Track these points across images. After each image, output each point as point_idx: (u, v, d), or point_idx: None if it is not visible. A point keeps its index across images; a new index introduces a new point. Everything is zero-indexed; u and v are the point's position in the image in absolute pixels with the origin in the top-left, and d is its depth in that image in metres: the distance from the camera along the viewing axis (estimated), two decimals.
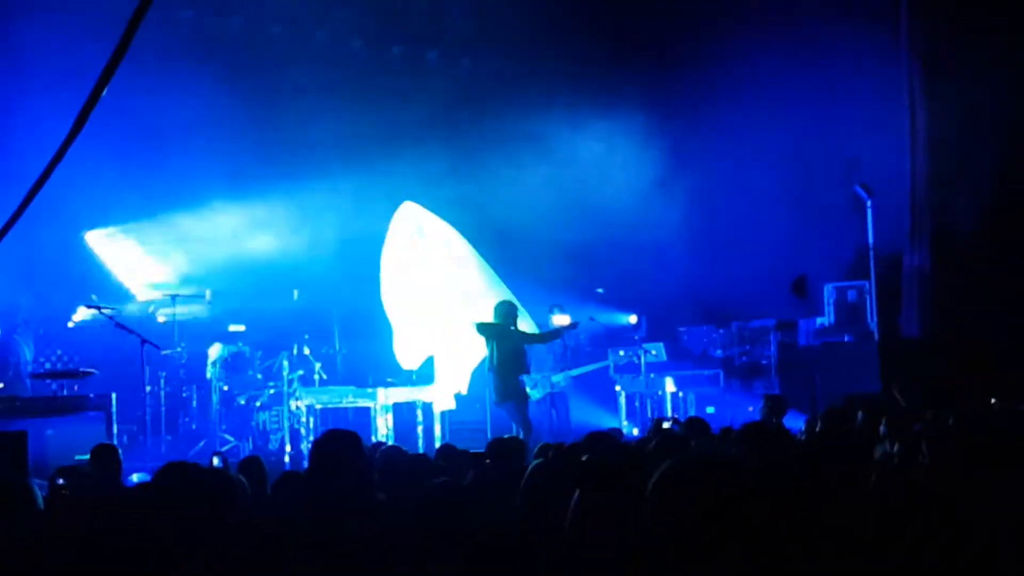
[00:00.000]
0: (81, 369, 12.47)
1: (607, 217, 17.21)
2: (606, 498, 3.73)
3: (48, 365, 14.87)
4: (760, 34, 15.96)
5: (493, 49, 17.65)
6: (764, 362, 16.12)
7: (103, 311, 12.75)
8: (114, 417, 11.92)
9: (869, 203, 14.80)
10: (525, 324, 14.10)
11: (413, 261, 15.32)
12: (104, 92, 6.27)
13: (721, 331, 16.71)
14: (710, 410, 15.28)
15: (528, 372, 13.51)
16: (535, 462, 5.67)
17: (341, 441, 5.04)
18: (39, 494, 6.73)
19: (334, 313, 16.62)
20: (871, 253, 14.83)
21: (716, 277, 16.89)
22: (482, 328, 13.57)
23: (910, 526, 4.01)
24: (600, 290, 17.97)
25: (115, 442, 11.33)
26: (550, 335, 14.01)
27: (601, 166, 17.43)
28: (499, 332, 13.37)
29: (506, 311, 13.54)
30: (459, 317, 14.71)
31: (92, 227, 16.79)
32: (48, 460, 11.48)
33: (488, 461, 7.34)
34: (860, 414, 8.75)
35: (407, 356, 15.25)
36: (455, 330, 14.83)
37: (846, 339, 15.16)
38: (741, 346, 16.42)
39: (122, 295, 16.43)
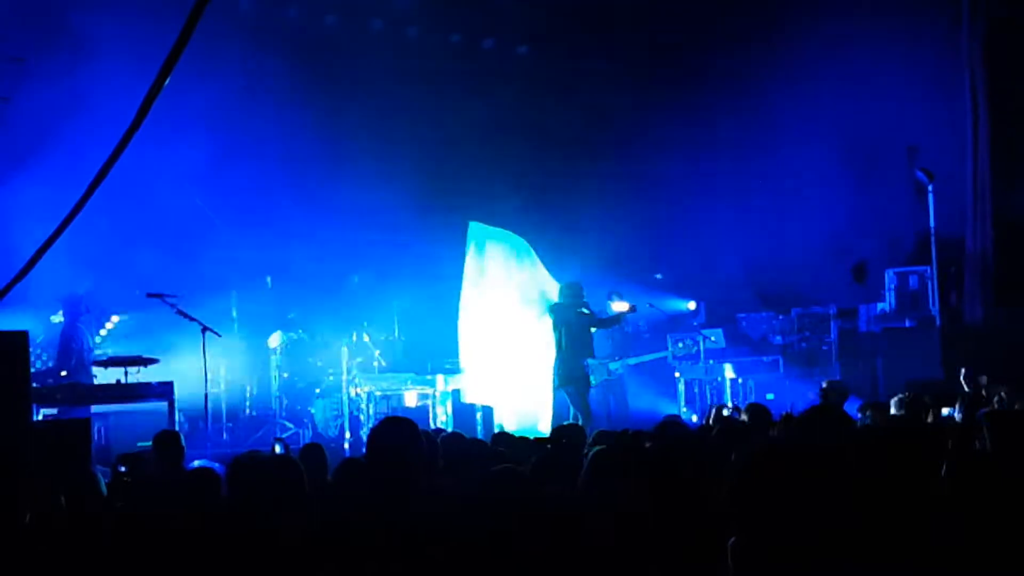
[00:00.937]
0: (144, 356, 12.58)
1: (665, 205, 17.16)
2: (670, 485, 3.71)
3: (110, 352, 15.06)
4: (822, 18, 15.82)
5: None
6: (824, 348, 15.98)
7: (166, 299, 12.86)
8: (176, 404, 12.03)
9: (930, 188, 14.62)
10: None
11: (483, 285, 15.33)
12: (166, 83, 6.33)
13: (781, 317, 16.58)
14: (770, 396, 15.17)
15: (593, 356, 13.48)
16: (595, 448, 5.64)
17: (398, 429, 5.03)
18: (102, 481, 6.83)
19: (394, 300, 16.65)
20: (932, 238, 14.65)
21: (776, 263, 16.77)
22: (550, 309, 13.60)
23: (974, 512, 3.97)
24: (659, 276, 17.91)
25: (176, 428, 11.46)
26: (611, 320, 14.00)
27: (665, 154, 17.34)
28: (566, 314, 13.36)
29: (573, 291, 13.52)
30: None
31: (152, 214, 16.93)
32: (111, 447, 11.65)
33: (549, 447, 7.34)
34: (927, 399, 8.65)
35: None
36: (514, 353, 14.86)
37: (907, 325, 14.99)
38: (801, 332, 16.28)
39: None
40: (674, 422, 8.87)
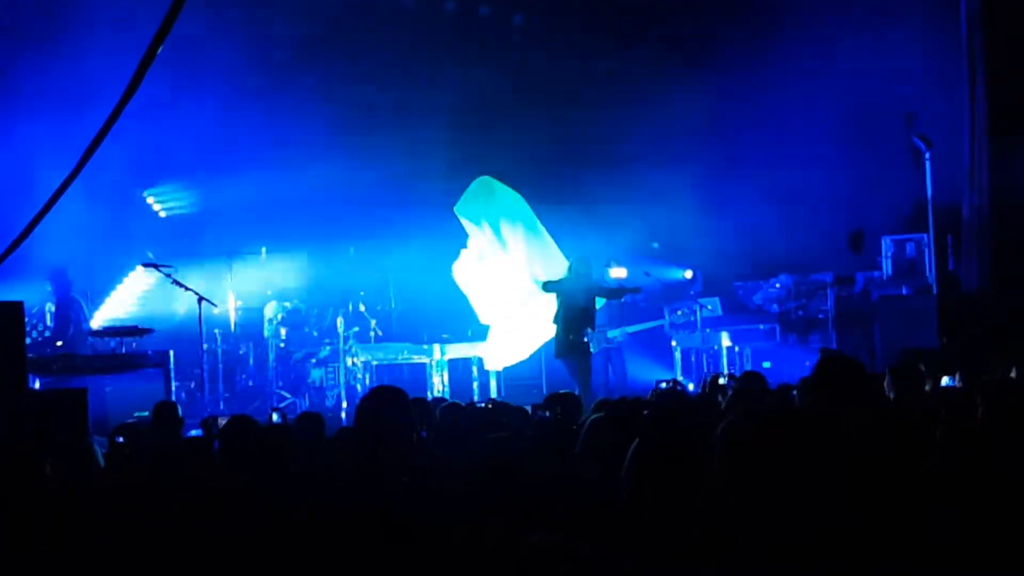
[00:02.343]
0: (140, 326, 12.57)
1: (663, 171, 17.12)
2: (667, 452, 3.70)
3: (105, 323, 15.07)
4: None
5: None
6: (821, 316, 15.97)
7: (161, 269, 12.84)
8: (172, 374, 12.05)
9: (928, 155, 14.56)
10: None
11: (483, 241, 15.28)
12: (159, 50, 6.28)
13: (777, 285, 16.55)
14: (766, 364, 15.20)
15: (593, 328, 13.45)
16: (593, 416, 5.63)
17: (387, 397, 5.02)
18: (99, 451, 6.83)
19: (389, 270, 16.64)
20: (929, 206, 14.61)
21: (772, 231, 16.74)
22: (550, 285, 13.54)
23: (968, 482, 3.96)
24: (655, 244, 17.88)
25: (173, 399, 11.47)
26: (614, 292, 13.97)
27: (657, 120, 17.29)
28: (568, 287, 13.32)
29: (579, 267, 13.48)
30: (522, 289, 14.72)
31: (151, 185, 16.92)
32: (108, 417, 11.65)
33: (547, 414, 7.33)
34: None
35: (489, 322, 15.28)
36: (517, 303, 14.83)
37: (904, 292, 14.98)
38: (797, 300, 16.26)
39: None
40: (672, 390, 8.88)
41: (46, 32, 14.08)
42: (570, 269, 13.56)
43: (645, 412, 6.37)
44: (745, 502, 2.71)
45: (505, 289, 14.97)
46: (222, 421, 7.33)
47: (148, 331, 12.52)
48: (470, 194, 15.19)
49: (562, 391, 8.53)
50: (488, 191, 15.20)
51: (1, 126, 14.22)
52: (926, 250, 14.99)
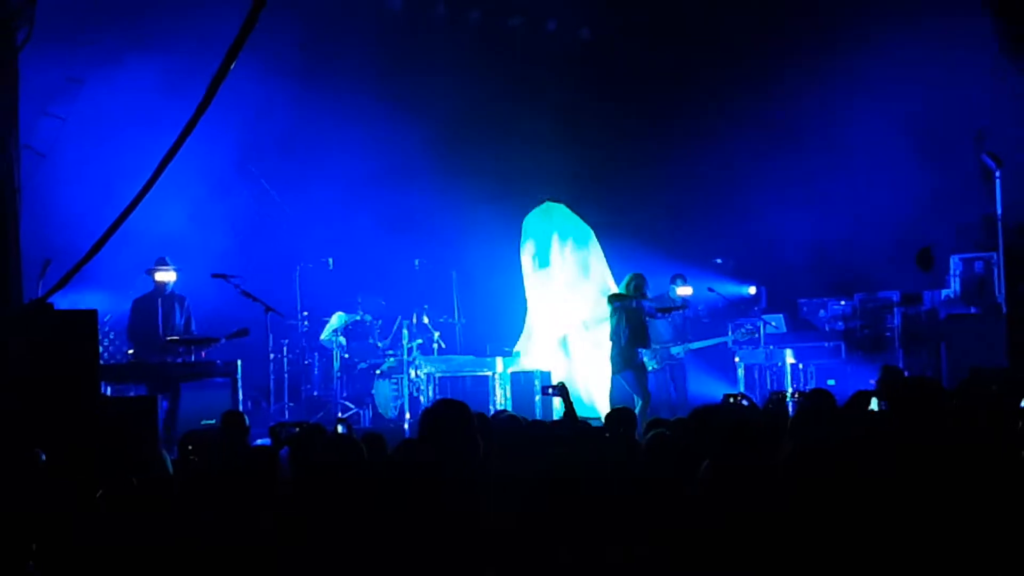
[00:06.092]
0: (210, 336, 12.76)
1: (728, 188, 17.09)
2: (738, 468, 3.72)
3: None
4: (890, 1, 15.69)
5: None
6: (888, 335, 15.82)
7: (230, 280, 13.03)
8: (239, 384, 12.20)
9: (997, 173, 14.39)
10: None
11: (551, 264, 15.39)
12: (230, 69, 6.44)
13: (843, 303, 16.42)
14: (831, 383, 15.08)
15: (648, 346, 13.53)
16: (653, 432, 5.67)
17: (450, 410, 5.08)
18: (168, 459, 6.96)
19: (453, 283, 16.73)
20: (999, 224, 14.43)
21: (839, 248, 16.63)
22: (611, 298, 13.68)
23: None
24: (719, 260, 17.83)
25: (240, 408, 11.62)
26: (665, 310, 14.00)
27: (724, 136, 17.26)
28: (626, 303, 13.42)
29: (634, 283, 13.57)
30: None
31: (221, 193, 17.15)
32: (177, 425, 11.84)
33: (607, 435, 7.36)
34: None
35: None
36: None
37: (972, 312, 14.80)
38: (864, 318, 16.12)
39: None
40: (737, 405, 8.83)
41: (125, 47, 14.39)
42: (626, 285, 13.63)
43: (715, 427, 6.37)
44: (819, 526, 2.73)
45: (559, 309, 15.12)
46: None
47: (216, 340, 12.69)
48: (533, 215, 15.33)
49: (619, 407, 8.57)
50: (548, 214, 15.30)
51: (83, 140, 14.56)
52: (995, 269, 14.81)
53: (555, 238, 15.57)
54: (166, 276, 12.91)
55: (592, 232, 15.78)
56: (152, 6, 14.60)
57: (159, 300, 12.83)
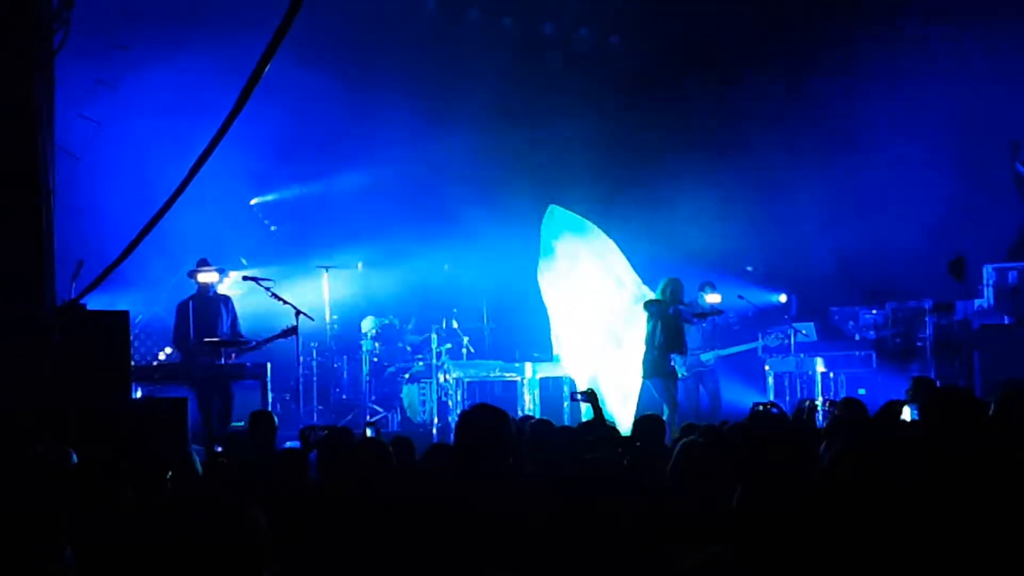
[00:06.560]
0: (240, 339, 12.80)
1: (759, 196, 17.04)
2: (772, 481, 3.69)
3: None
4: (924, 11, 15.60)
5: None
6: (919, 344, 15.69)
7: (260, 283, 13.06)
8: (269, 386, 12.24)
9: None
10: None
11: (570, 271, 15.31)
12: (264, 72, 6.46)
13: (875, 311, 16.32)
14: (861, 391, 14.98)
15: (683, 352, 13.51)
16: (685, 439, 5.64)
17: (489, 415, 5.07)
18: (198, 460, 6.99)
19: (483, 288, 16.74)
20: None
21: (870, 256, 16.55)
22: (645, 305, 13.63)
23: None
24: (750, 268, 17.76)
25: (270, 410, 11.64)
26: (699, 316, 13.96)
27: (755, 143, 17.21)
28: (661, 309, 13.39)
29: (670, 288, 13.54)
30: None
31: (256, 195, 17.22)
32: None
33: (638, 444, 7.34)
34: None
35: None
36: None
37: (1006, 322, 14.68)
38: (895, 327, 16.00)
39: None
40: (767, 414, 8.76)
41: (160, 51, 14.51)
42: (662, 291, 13.60)
43: (744, 436, 6.34)
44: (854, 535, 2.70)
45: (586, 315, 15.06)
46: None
47: (246, 342, 12.74)
48: (548, 222, 15.31)
49: (648, 413, 8.54)
50: (561, 218, 15.23)
51: (118, 143, 14.68)
52: None
53: (573, 244, 15.47)
54: (209, 277, 12.91)
55: (606, 235, 15.65)
56: (185, 8, 14.70)
57: (205, 302, 12.84)
